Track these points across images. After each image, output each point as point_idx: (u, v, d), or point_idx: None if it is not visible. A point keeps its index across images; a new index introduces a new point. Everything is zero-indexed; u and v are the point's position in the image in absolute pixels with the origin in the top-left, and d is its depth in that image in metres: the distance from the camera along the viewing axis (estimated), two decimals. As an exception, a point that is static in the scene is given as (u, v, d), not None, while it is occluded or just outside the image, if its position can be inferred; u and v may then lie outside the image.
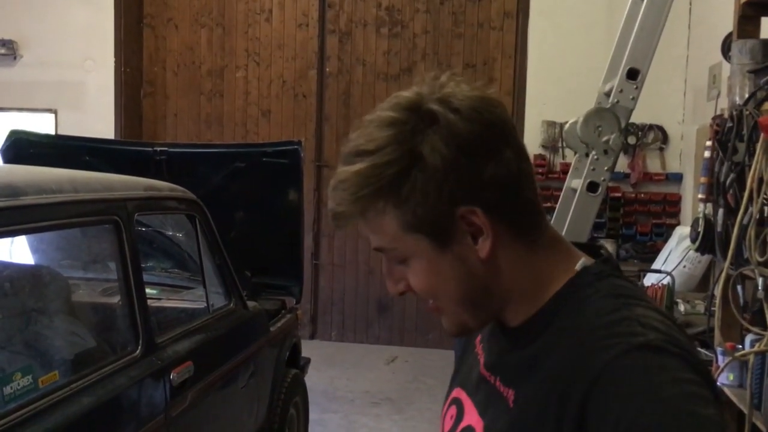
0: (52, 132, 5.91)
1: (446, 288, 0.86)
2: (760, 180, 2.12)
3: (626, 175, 5.45)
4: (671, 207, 5.41)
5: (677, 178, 5.42)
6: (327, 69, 6.18)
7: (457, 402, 0.98)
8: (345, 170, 0.83)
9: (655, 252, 5.06)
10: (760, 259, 2.16)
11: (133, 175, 2.52)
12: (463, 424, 0.94)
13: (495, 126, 0.83)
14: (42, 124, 6.01)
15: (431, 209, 0.81)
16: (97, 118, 6.05)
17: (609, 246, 5.18)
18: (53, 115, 6.15)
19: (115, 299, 2.40)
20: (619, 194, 5.44)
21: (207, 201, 2.82)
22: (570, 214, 2.78)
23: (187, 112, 6.37)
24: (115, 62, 6.11)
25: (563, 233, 2.75)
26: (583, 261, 0.88)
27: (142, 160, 3.63)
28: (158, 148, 3.71)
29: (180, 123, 6.38)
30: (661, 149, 5.50)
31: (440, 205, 0.81)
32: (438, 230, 0.83)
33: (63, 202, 1.90)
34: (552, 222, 3.07)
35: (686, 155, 5.32)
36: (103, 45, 6.10)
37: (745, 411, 2.24)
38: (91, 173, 2.38)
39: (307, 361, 3.91)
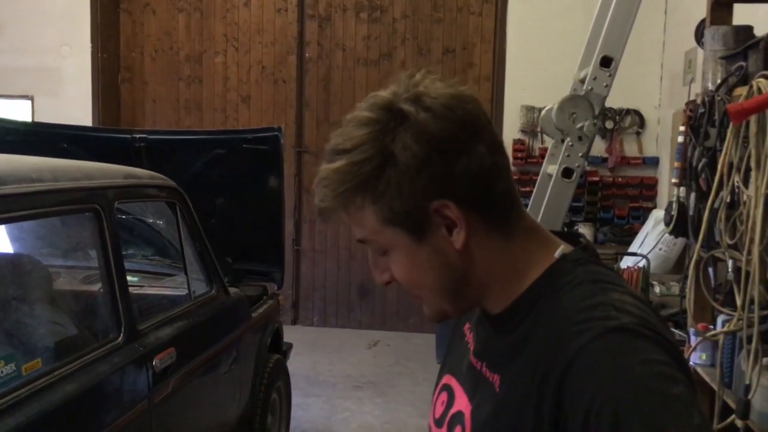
0: (29, 119, 5.86)
1: (425, 278, 0.90)
2: (731, 165, 2.17)
3: (604, 159, 5.51)
4: (648, 190, 5.49)
5: (654, 162, 5.49)
6: (307, 54, 6.17)
7: (448, 388, 1.01)
8: (326, 168, 0.87)
9: (632, 235, 5.13)
10: (730, 242, 2.21)
11: (112, 163, 2.52)
12: (453, 410, 0.97)
13: (467, 122, 0.86)
14: (18, 111, 5.95)
15: (406, 204, 0.85)
16: (74, 105, 5.99)
17: (587, 229, 5.27)
18: (29, 102, 6.08)
19: (97, 287, 2.41)
20: (597, 178, 5.50)
21: (187, 188, 2.82)
22: (545, 200, 2.82)
23: (166, 98, 6.33)
24: (92, 48, 6.05)
25: (539, 218, 2.81)
26: (561, 248, 0.91)
27: (121, 148, 3.61)
28: (137, 135, 3.70)
29: (159, 109, 6.34)
30: (638, 133, 5.57)
31: (414, 200, 0.85)
32: (414, 223, 0.86)
33: (43, 191, 1.91)
34: (528, 207, 3.13)
35: (662, 139, 5.39)
36: (79, 30, 6.03)
37: (716, 389, 2.31)
38: (71, 161, 2.38)
39: (290, 346, 3.94)
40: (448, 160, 0.84)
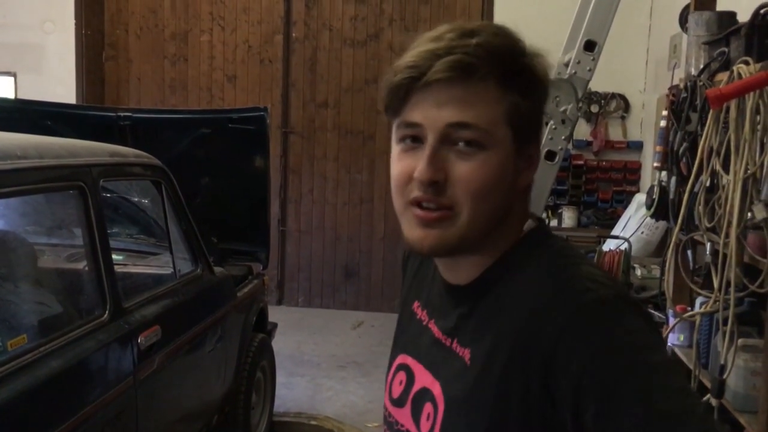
0: (11, 96, 5.80)
1: (492, 195, 0.86)
2: (711, 149, 2.20)
3: (588, 143, 5.54)
4: (631, 174, 5.53)
5: (638, 146, 5.53)
6: (293, 34, 6.13)
7: (405, 368, 1.00)
8: (481, 26, 0.87)
9: (615, 218, 5.17)
10: (708, 225, 2.25)
11: (96, 141, 2.52)
12: (416, 388, 0.96)
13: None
14: (0, 88, 5.88)
15: (539, 116, 0.91)
16: (57, 82, 5.93)
17: (571, 212, 5.31)
18: (12, 79, 6.01)
19: (82, 265, 2.41)
20: (582, 162, 5.53)
21: (172, 167, 2.82)
22: (529, 182, 2.84)
23: (151, 76, 6.27)
24: (76, 24, 5.98)
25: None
26: (529, 222, 0.93)
27: (106, 126, 3.59)
28: (122, 114, 3.68)
29: (143, 87, 6.29)
30: (623, 118, 5.60)
31: (540, 118, 0.92)
32: (527, 139, 0.89)
33: (28, 168, 1.90)
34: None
35: (647, 124, 5.42)
36: (63, 6, 5.95)
37: (693, 368, 2.36)
38: (56, 139, 2.37)
39: (274, 326, 3.96)
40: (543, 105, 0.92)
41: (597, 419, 0.76)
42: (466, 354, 0.89)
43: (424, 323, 1.00)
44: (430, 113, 0.83)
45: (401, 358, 1.03)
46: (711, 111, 2.16)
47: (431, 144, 0.83)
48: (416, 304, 1.04)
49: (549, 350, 0.80)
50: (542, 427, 0.81)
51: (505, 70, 0.83)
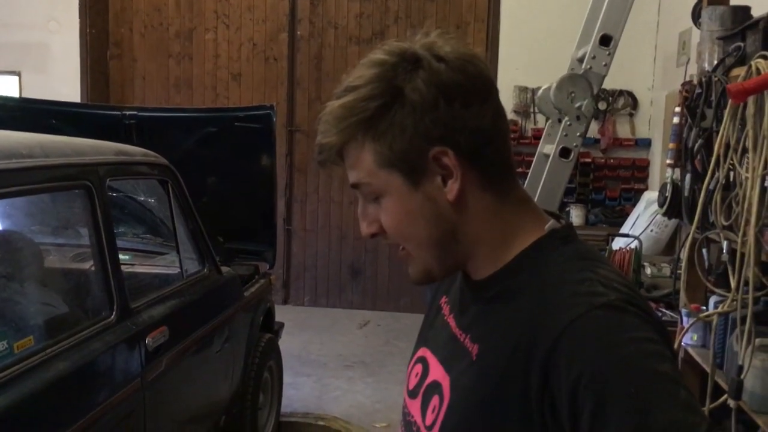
0: (16, 95, 5.78)
1: (414, 228, 0.89)
2: (727, 146, 2.16)
3: (596, 141, 5.50)
4: (640, 172, 5.49)
5: (646, 143, 5.49)
6: (298, 32, 6.10)
7: (423, 360, 1.01)
8: (332, 103, 0.88)
9: (623, 216, 5.14)
10: (725, 223, 2.21)
11: (102, 140, 2.49)
12: (428, 381, 0.97)
13: (477, 80, 0.87)
14: (5, 87, 5.87)
15: (407, 145, 0.86)
16: (62, 81, 5.92)
17: (578, 210, 5.27)
18: (17, 78, 6.00)
19: (88, 265, 2.39)
20: (589, 159, 5.50)
21: (178, 166, 2.79)
22: (542, 180, 2.81)
23: (156, 75, 6.25)
24: (80, 23, 5.96)
25: (536, 198, 2.80)
26: (551, 223, 0.92)
27: (111, 125, 3.57)
28: (127, 112, 3.65)
29: (148, 86, 6.27)
30: (631, 115, 5.56)
31: (415, 142, 0.86)
32: (411, 167, 0.87)
33: (33, 167, 1.88)
34: (525, 187, 3.10)
35: (655, 121, 5.38)
36: (67, 5, 5.93)
37: (708, 370, 2.32)
38: (61, 137, 2.34)
39: (281, 325, 3.94)
40: (453, 109, 0.85)
41: (591, 425, 0.74)
42: (474, 350, 0.89)
43: (446, 317, 1.01)
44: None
45: (422, 351, 1.04)
46: (728, 107, 2.12)
47: (359, 203, 0.93)
48: (444, 299, 1.05)
49: (551, 351, 0.78)
50: (542, 430, 0.79)
51: (348, 138, 0.87)
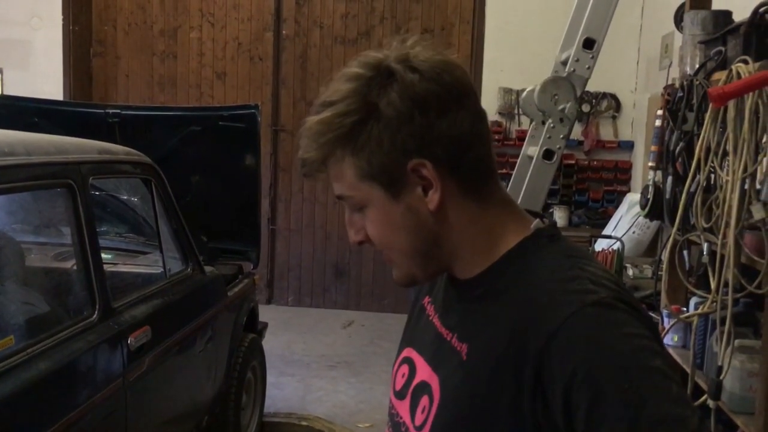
0: (-2, 92, 5.72)
1: (397, 237, 0.91)
2: (708, 149, 2.19)
3: (580, 143, 5.54)
4: (622, 174, 5.54)
5: (629, 145, 5.53)
6: (284, 31, 6.09)
7: (409, 361, 1.02)
8: (311, 119, 0.89)
9: (606, 218, 5.18)
10: (706, 225, 2.23)
11: (85, 138, 2.47)
12: (416, 381, 0.97)
13: (452, 88, 0.88)
14: (-14, 84, 5.81)
15: (384, 158, 0.87)
16: (44, 78, 5.86)
17: (562, 212, 5.31)
18: (-2, 75, 5.94)
19: (70, 264, 2.37)
20: (573, 161, 5.53)
21: (162, 165, 2.78)
22: (526, 181, 2.83)
23: (139, 73, 6.21)
24: (63, 20, 5.91)
25: (520, 199, 2.81)
26: (537, 222, 0.93)
27: (94, 123, 3.55)
28: (111, 111, 3.63)
29: (132, 85, 6.23)
30: (614, 117, 5.60)
31: (393, 155, 0.87)
32: (390, 180, 0.88)
33: (15, 165, 1.86)
34: (508, 189, 3.13)
35: (638, 123, 5.43)
36: (50, 2, 5.88)
37: (688, 370, 2.34)
38: (44, 135, 2.33)
39: (265, 325, 3.93)
40: (429, 120, 0.86)
41: (587, 421, 0.76)
42: (463, 349, 0.89)
43: (431, 318, 1.01)
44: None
45: (407, 351, 1.04)
46: (709, 110, 2.14)
47: (346, 212, 0.95)
48: (427, 299, 1.05)
49: (543, 350, 0.79)
50: (535, 429, 0.80)
51: (328, 153, 0.89)
